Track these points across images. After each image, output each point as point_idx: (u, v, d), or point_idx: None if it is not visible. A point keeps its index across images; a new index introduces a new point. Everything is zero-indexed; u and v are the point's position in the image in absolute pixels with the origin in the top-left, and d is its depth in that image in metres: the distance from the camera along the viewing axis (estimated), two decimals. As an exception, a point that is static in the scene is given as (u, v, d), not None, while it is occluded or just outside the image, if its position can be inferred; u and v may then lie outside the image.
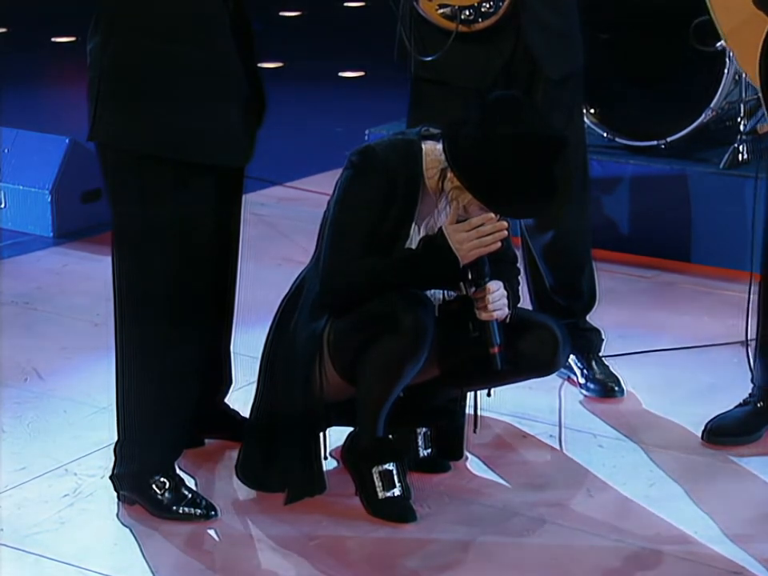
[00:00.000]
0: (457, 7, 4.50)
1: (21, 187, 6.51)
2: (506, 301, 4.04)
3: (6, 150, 6.62)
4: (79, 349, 5.30)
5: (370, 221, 4.02)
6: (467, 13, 4.50)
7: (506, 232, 3.98)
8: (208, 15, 3.97)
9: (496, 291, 4.00)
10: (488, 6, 4.48)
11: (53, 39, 10.81)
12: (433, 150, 4.02)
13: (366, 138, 6.74)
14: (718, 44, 5.66)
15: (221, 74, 4.00)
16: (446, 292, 4.08)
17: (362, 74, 9.62)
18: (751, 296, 4.73)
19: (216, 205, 4.10)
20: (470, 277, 3.98)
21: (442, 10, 4.51)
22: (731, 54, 5.53)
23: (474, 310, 4.03)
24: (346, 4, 12.22)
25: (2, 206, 6.52)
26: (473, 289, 4.00)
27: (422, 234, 4.08)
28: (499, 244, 3.97)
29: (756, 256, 4.67)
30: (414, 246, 4.05)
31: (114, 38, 3.97)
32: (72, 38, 10.68)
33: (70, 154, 6.48)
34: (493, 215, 3.93)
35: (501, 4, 4.48)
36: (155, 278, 4.05)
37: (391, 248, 4.03)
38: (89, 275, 6.04)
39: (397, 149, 4.10)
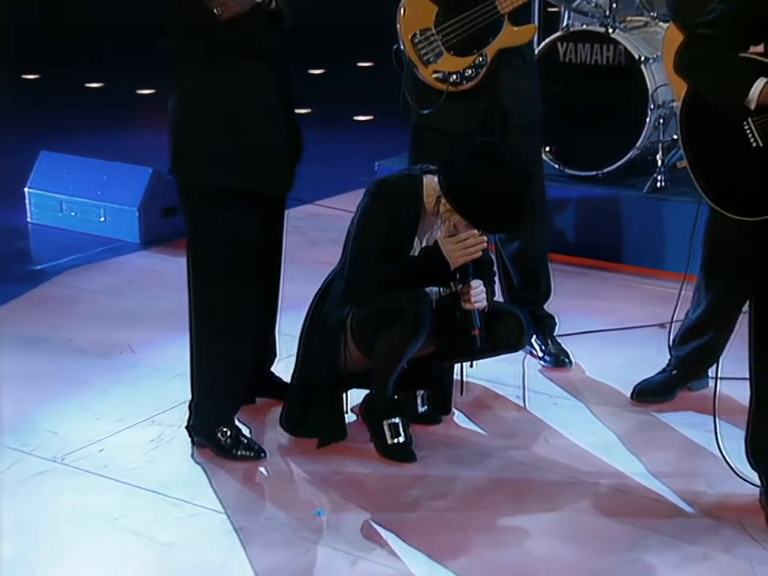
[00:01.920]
0: (447, 72, 4.49)
1: (116, 206, 6.52)
2: (484, 295, 4.05)
3: (105, 178, 6.64)
4: (160, 329, 5.28)
5: (382, 236, 4.03)
6: (455, 77, 4.50)
7: (485, 244, 4.01)
8: (256, 76, 3.93)
9: (477, 288, 4.01)
10: (470, 72, 4.48)
11: (137, 91, 10.77)
12: (431, 182, 4.02)
13: (376, 168, 6.73)
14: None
15: (267, 123, 3.98)
16: (440, 289, 4.09)
17: (371, 117, 9.54)
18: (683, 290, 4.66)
19: (264, 221, 4.09)
20: (457, 277, 4.00)
21: (435, 75, 4.51)
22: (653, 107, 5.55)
23: (461, 302, 4.03)
24: (358, 64, 12.17)
25: (102, 219, 6.52)
26: (460, 286, 4.00)
27: (423, 245, 4.08)
28: (481, 253, 3.99)
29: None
30: (416, 254, 4.05)
31: (182, 95, 3.97)
32: (152, 91, 10.66)
33: (153, 180, 6.48)
34: (476, 231, 3.95)
35: (480, 71, 4.48)
36: (219, 275, 4.05)
37: (399, 255, 4.04)
38: (167, 272, 6.02)
39: (403, 181, 4.13)
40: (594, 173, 6.02)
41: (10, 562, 3.55)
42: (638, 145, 5.92)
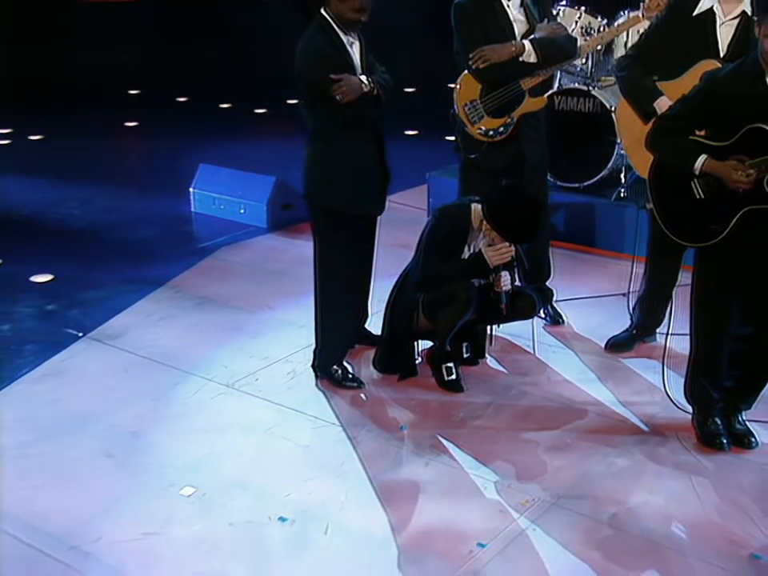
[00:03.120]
0: (487, 129, 4.47)
1: (251, 202, 6.44)
2: (509, 281, 4.08)
3: (243, 182, 6.53)
4: (287, 291, 5.18)
5: (444, 245, 4.07)
6: (492, 132, 4.47)
7: (513, 251, 4.04)
8: (363, 136, 3.96)
9: (504, 277, 4.04)
10: (502, 129, 4.46)
11: (254, 110, 10.27)
12: (476, 209, 4.06)
13: (428, 177, 6.48)
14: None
15: (369, 166, 4.01)
16: (481, 280, 4.12)
17: (417, 132, 9.18)
18: (634, 269, 4.65)
19: (364, 227, 4.14)
20: (492, 271, 4.04)
21: (479, 131, 4.48)
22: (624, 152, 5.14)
23: (494, 287, 4.07)
24: (405, 89, 11.79)
25: (242, 211, 6.46)
26: (493, 275, 4.04)
27: (470, 251, 4.10)
28: (510, 258, 4.04)
29: (641, 247, 4.56)
30: (466, 258, 4.09)
31: (314, 147, 4.00)
32: (265, 110, 10.23)
33: (276, 185, 6.41)
34: (507, 243, 4.00)
35: (509, 128, 4.46)
36: (335, 262, 4.07)
37: (455, 258, 4.08)
38: (287, 250, 5.95)
39: (458, 208, 4.15)
40: (577, 185, 5.94)
41: (203, 457, 3.65)
42: (607, 167, 5.83)
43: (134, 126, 9.49)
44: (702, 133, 3.36)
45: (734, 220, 3.32)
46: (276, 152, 8.06)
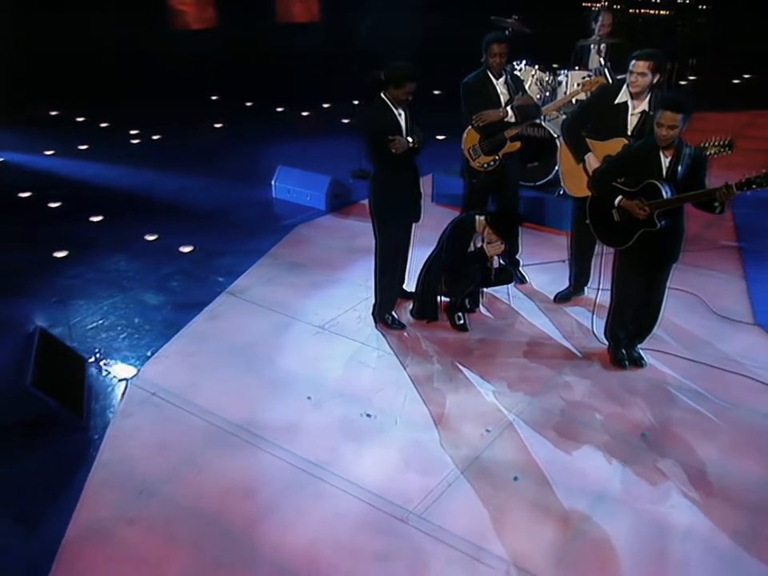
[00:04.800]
0: (483, 163, 4.67)
1: (314, 192, 6.41)
2: (497, 259, 4.34)
3: (308, 179, 6.46)
4: (348, 258, 5.23)
5: (458, 243, 4.29)
6: (486, 165, 4.69)
7: (504, 246, 4.25)
8: (407, 169, 4.12)
9: (495, 258, 4.33)
10: (492, 163, 4.68)
11: (301, 113, 9.65)
12: (480, 219, 4.28)
13: (433, 175, 6.25)
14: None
15: (411, 188, 4.15)
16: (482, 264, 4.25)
17: None
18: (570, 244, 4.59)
19: (406, 230, 4.20)
20: (489, 258, 4.29)
21: (478, 164, 4.69)
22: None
23: (487, 263, 4.28)
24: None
25: (308, 198, 6.27)
26: (490, 260, 4.30)
27: (475, 247, 4.28)
28: (501, 250, 4.27)
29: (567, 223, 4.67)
30: (472, 250, 4.27)
31: (375, 175, 4.12)
32: (308, 113, 9.40)
33: (332, 182, 6.39)
34: (500, 241, 4.24)
35: (497, 162, 4.67)
36: (390, 246, 4.22)
37: (465, 251, 4.28)
38: (342, 227, 5.87)
39: (468, 219, 4.34)
40: (531, 184, 5.98)
41: (313, 375, 3.90)
42: (551, 173, 5.92)
43: (221, 128, 9.20)
44: (621, 181, 3.67)
45: (635, 236, 3.70)
46: (326, 149, 7.84)
